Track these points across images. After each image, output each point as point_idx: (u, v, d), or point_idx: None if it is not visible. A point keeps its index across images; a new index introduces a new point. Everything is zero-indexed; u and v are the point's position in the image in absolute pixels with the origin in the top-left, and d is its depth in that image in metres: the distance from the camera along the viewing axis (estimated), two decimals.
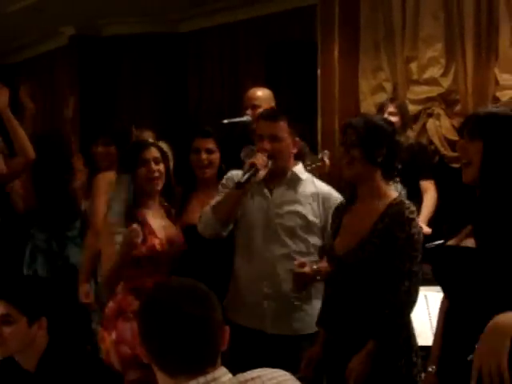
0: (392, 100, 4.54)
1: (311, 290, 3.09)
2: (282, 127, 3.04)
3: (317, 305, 2.98)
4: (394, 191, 2.71)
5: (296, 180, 3.11)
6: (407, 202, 2.66)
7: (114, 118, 7.89)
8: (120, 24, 7.83)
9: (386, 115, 4.22)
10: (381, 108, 4.47)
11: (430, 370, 2.35)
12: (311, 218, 3.07)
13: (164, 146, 4.19)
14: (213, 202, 3.12)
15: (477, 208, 2.15)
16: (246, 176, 2.93)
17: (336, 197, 3.11)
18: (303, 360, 2.82)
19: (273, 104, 4.26)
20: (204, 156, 3.50)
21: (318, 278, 2.94)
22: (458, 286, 2.15)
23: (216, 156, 3.55)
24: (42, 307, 2.49)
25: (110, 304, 3.12)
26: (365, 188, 2.68)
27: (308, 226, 3.08)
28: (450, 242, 2.21)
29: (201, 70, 7.66)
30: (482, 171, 2.11)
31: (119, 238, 3.00)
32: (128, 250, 2.97)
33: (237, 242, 3.18)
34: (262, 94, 4.32)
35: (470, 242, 2.12)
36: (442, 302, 2.36)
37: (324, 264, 2.90)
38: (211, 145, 3.53)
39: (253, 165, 2.94)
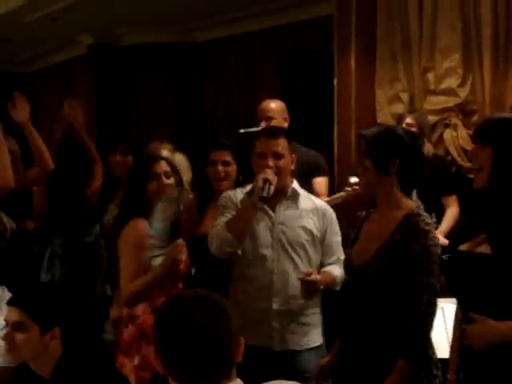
0: (411, 111, 4.53)
1: (316, 303, 3.13)
2: (283, 144, 3.09)
3: (319, 317, 3.14)
4: (413, 202, 2.68)
5: (296, 196, 3.15)
6: (424, 213, 2.63)
7: (131, 127, 7.94)
8: (137, 33, 7.88)
9: (403, 126, 4.21)
10: (399, 119, 4.45)
11: (448, 377, 2.35)
12: (315, 232, 3.12)
13: (181, 157, 4.22)
14: (220, 221, 3.10)
15: (490, 214, 2.16)
16: (266, 190, 2.95)
17: (331, 212, 3.21)
18: (316, 368, 2.84)
19: (286, 116, 4.27)
20: (220, 168, 3.50)
21: (322, 287, 2.99)
22: (471, 292, 2.15)
23: (233, 168, 3.54)
24: (55, 317, 2.50)
25: (130, 329, 3.05)
26: (381, 198, 2.67)
27: (314, 240, 3.12)
28: (463, 247, 2.23)
29: (217, 79, 7.69)
30: (492, 177, 2.13)
31: (154, 253, 3.01)
32: (170, 265, 2.96)
33: (237, 262, 3.16)
34: (275, 105, 4.32)
35: (484, 248, 2.12)
36: (458, 309, 2.36)
37: (326, 276, 3.03)
38: (228, 157, 3.52)
39: (266, 180, 2.96)
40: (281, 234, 3.09)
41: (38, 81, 9.94)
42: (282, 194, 3.12)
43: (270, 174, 2.98)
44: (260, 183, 2.96)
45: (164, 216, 3.06)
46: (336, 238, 3.21)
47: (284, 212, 3.12)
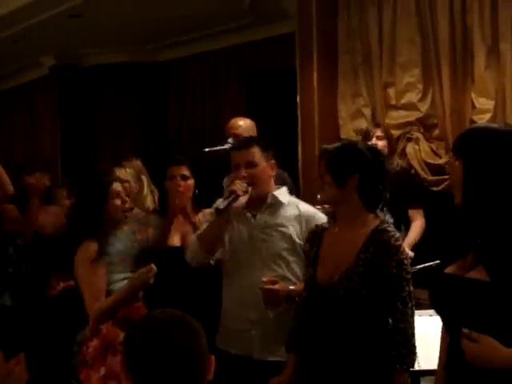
0: (377, 125, 4.56)
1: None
2: (255, 153, 3.09)
3: None
4: (376, 218, 2.68)
5: (277, 203, 3.13)
6: (390, 227, 2.65)
7: (95, 148, 7.90)
8: (100, 54, 7.87)
9: (373, 140, 4.24)
10: (367, 133, 4.45)
11: None
12: (296, 239, 3.06)
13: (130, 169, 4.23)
14: (198, 231, 3.17)
15: (471, 230, 2.07)
16: (226, 202, 2.98)
17: (320, 217, 3.09)
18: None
19: (254, 133, 4.29)
20: (180, 182, 3.56)
21: (297, 299, 2.92)
22: (466, 318, 2.04)
23: (191, 182, 3.61)
24: (20, 342, 2.46)
25: (94, 342, 3.07)
26: (342, 214, 2.66)
27: (293, 247, 3.07)
28: (450, 270, 2.13)
29: (181, 98, 7.70)
30: (464, 190, 2.06)
31: (116, 277, 3.03)
32: (140, 288, 3.02)
33: (224, 270, 3.19)
34: (243, 123, 4.35)
35: (476, 274, 2.03)
36: (443, 334, 2.28)
37: (300, 286, 2.90)
38: (185, 171, 3.61)
39: (232, 192, 2.98)
40: (260, 242, 3.08)
41: (1, 102, 9.85)
42: (262, 202, 3.13)
43: (238, 186, 3.00)
44: (225, 195, 3.00)
45: (132, 238, 3.10)
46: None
47: (264, 220, 3.11)
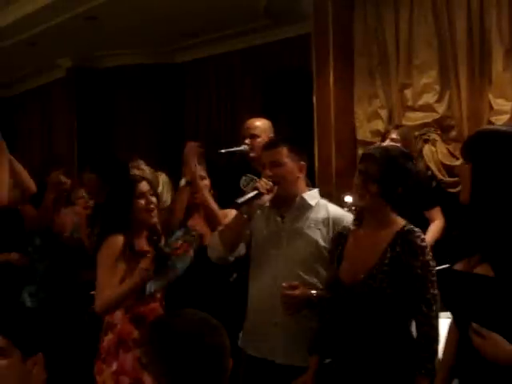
0: (397, 127, 4.55)
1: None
2: (282, 153, 3.07)
3: None
4: (401, 218, 2.68)
5: (305, 205, 3.10)
6: (416, 229, 2.64)
7: (111, 149, 7.93)
8: (117, 56, 7.90)
9: (387, 141, 4.23)
10: (383, 135, 4.46)
11: None
12: (322, 243, 3.03)
13: (165, 177, 4.30)
14: (221, 226, 3.19)
15: (478, 230, 2.13)
16: (246, 197, 2.98)
17: (349, 219, 3.02)
18: None
19: (271, 134, 4.29)
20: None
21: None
22: (472, 313, 2.09)
23: (206, 182, 3.76)
24: (38, 342, 2.47)
25: (109, 336, 3.11)
26: (372, 217, 2.67)
27: (319, 252, 3.03)
28: (459, 267, 2.18)
29: (197, 99, 7.71)
30: (472, 193, 2.11)
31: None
32: (142, 280, 3.03)
33: (251, 272, 3.20)
34: (260, 123, 4.35)
35: (483, 270, 2.08)
36: (451, 331, 2.33)
37: (322, 292, 2.89)
38: (201, 171, 3.67)
39: (255, 188, 2.99)
40: (287, 245, 3.08)
41: (17, 105, 9.92)
42: (290, 204, 3.12)
43: (262, 183, 3.00)
44: (248, 191, 3.02)
45: (171, 241, 3.13)
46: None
47: (291, 222, 3.10)
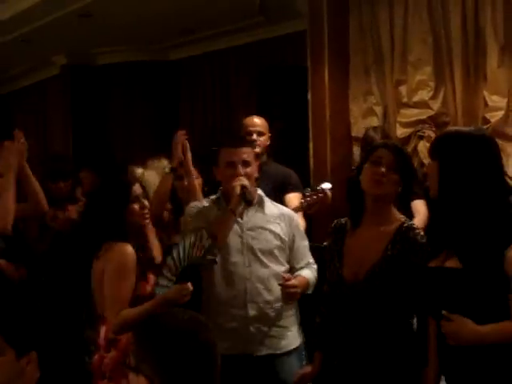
0: (376, 129, 4.59)
1: (291, 305, 3.16)
2: (249, 152, 3.16)
3: (295, 318, 3.19)
4: (399, 214, 2.69)
5: (262, 202, 3.21)
6: (415, 225, 2.65)
7: (106, 147, 7.91)
8: (111, 53, 7.88)
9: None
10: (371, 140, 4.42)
11: None
12: (284, 237, 3.16)
13: (152, 173, 4.27)
14: (203, 233, 3.13)
15: (450, 226, 2.30)
16: (247, 195, 3.04)
17: (297, 217, 3.31)
18: (294, 378, 2.83)
19: (268, 132, 4.32)
20: (186, 181, 3.63)
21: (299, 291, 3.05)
22: (445, 305, 2.24)
23: (198, 181, 3.75)
24: (32, 341, 2.46)
25: (112, 353, 2.92)
26: (377, 211, 2.66)
27: (283, 245, 3.15)
28: (432, 264, 2.34)
29: (193, 96, 7.70)
30: (439, 189, 2.31)
31: (161, 281, 2.94)
32: (172, 305, 2.78)
33: (213, 270, 3.17)
34: (260, 121, 4.36)
35: (452, 263, 2.25)
36: (431, 324, 2.44)
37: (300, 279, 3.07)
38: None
39: (244, 186, 3.02)
40: (250, 239, 3.12)
41: (11, 102, 9.89)
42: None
43: (245, 181, 3.03)
44: (238, 190, 3.01)
45: (189, 251, 2.99)
46: (304, 242, 3.27)
47: (252, 218, 3.16)
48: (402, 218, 2.67)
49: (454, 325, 2.21)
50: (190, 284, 2.85)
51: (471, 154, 2.28)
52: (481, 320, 2.18)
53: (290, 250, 3.19)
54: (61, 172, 4.66)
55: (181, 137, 3.75)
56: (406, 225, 2.62)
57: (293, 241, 3.19)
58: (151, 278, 2.99)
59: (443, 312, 2.23)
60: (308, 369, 2.85)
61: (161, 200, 3.60)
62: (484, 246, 2.20)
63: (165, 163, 4.45)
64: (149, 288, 2.95)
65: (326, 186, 3.92)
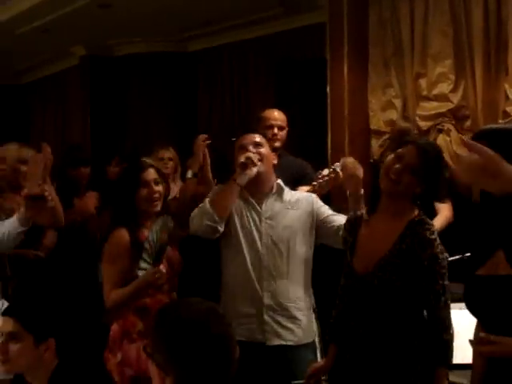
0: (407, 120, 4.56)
1: (309, 299, 3.19)
2: (262, 138, 3.26)
3: (311, 314, 3.20)
4: (413, 209, 2.66)
5: (281, 191, 3.25)
6: (427, 220, 2.63)
7: (124, 137, 7.94)
8: (130, 44, 7.89)
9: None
10: (406, 132, 4.37)
11: None
12: (303, 222, 3.20)
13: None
14: (208, 198, 3.20)
15: (496, 232, 2.11)
16: (247, 163, 3.11)
17: (313, 196, 3.31)
18: (308, 370, 2.83)
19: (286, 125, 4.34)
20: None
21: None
22: (498, 316, 2.09)
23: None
24: (50, 328, 2.48)
25: (114, 326, 3.15)
26: (391, 204, 2.64)
27: (302, 231, 3.18)
28: (481, 272, 2.15)
29: (211, 88, 7.69)
30: (481, 193, 2.09)
31: (142, 264, 3.10)
32: (147, 288, 3.03)
33: (229, 259, 3.20)
34: (279, 114, 4.37)
35: (505, 269, 2.07)
36: (477, 329, 2.28)
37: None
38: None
39: (248, 157, 3.06)
40: (269, 229, 3.14)
41: (31, 93, 9.94)
42: (269, 190, 3.18)
43: (251, 154, 3.08)
44: (242, 158, 3.05)
45: (158, 234, 3.13)
46: (325, 208, 3.30)
47: (271, 207, 3.18)
48: (416, 211, 2.64)
49: (497, 348, 2.01)
50: (162, 266, 3.04)
51: None
52: None
53: (319, 227, 3.21)
54: (81, 158, 4.71)
55: (201, 143, 3.71)
56: (417, 219, 2.60)
57: (317, 216, 3.22)
58: None
59: (481, 334, 2.05)
60: (321, 362, 2.86)
61: (184, 204, 3.62)
62: None
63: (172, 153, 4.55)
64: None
65: (337, 165, 3.92)
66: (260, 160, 3.14)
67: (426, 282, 2.54)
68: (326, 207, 3.30)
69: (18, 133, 9.11)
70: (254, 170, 3.11)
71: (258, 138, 3.22)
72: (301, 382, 2.87)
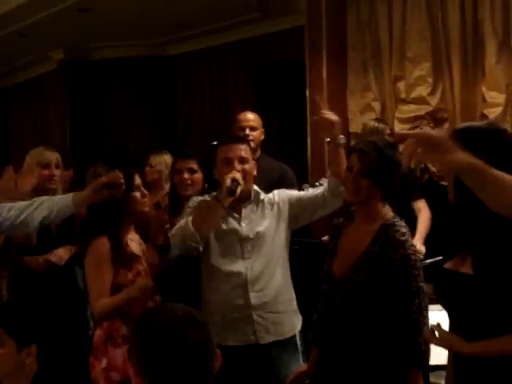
0: (384, 122, 4.54)
1: (288, 292, 3.17)
2: (247, 150, 3.15)
3: (293, 303, 3.17)
4: (389, 211, 2.68)
5: (258, 197, 3.21)
6: (399, 222, 2.64)
7: (104, 141, 7.91)
8: (109, 48, 7.87)
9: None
10: (376, 130, 4.40)
11: None
12: (280, 221, 3.17)
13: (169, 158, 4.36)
14: (187, 218, 3.14)
15: (465, 231, 2.15)
16: (234, 187, 3.00)
17: (282, 189, 3.26)
18: (291, 375, 2.84)
19: (262, 128, 4.32)
20: (186, 176, 3.60)
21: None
22: (458, 310, 2.15)
23: (199, 176, 3.64)
24: (33, 333, 2.46)
25: (98, 332, 3.11)
26: (363, 210, 2.68)
27: (277, 230, 3.17)
28: (448, 265, 2.21)
29: (190, 92, 7.69)
30: (455, 191, 2.12)
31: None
32: (136, 297, 3.04)
33: (211, 265, 3.19)
34: (253, 116, 4.35)
35: (467, 268, 2.12)
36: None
37: None
38: (193, 165, 3.64)
39: (234, 179, 3.02)
40: (248, 232, 3.14)
41: (9, 97, 9.88)
42: (247, 198, 3.18)
43: (237, 175, 3.04)
44: (228, 181, 3.02)
45: None
46: (295, 192, 3.28)
47: (249, 215, 3.17)
48: (390, 214, 2.66)
49: (444, 342, 2.11)
50: (150, 280, 3.03)
51: (492, 151, 2.06)
52: (491, 329, 2.04)
53: (302, 208, 3.18)
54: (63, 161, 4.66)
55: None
56: (388, 222, 2.61)
57: (295, 202, 3.19)
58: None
59: (433, 325, 2.13)
60: (304, 367, 2.86)
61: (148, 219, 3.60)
62: (500, 254, 2.05)
63: (167, 157, 4.50)
64: (130, 276, 3.05)
65: (325, 181, 3.92)
66: (243, 178, 3.12)
67: (399, 284, 2.54)
68: (295, 191, 3.30)
69: None
70: (239, 190, 3.09)
71: (243, 152, 3.12)
72: None
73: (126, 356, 2.90)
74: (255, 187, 3.23)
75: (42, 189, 3.76)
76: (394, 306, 2.58)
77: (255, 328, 3.10)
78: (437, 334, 2.12)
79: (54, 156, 3.91)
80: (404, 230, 2.61)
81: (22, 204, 3.04)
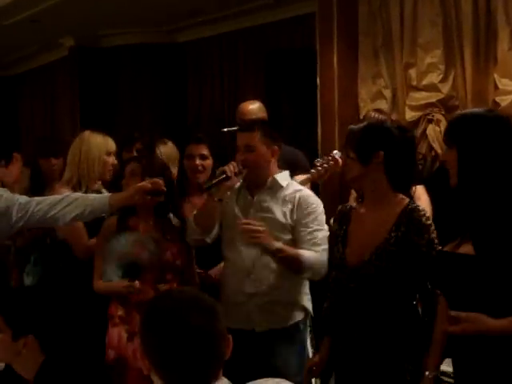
0: (383, 112, 4.55)
1: (287, 282, 3.17)
2: (255, 137, 3.15)
3: (295, 294, 3.18)
4: (404, 198, 2.67)
5: (276, 186, 3.20)
6: (420, 207, 2.64)
7: (114, 129, 7.90)
8: (119, 34, 7.86)
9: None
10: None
11: (427, 374, 2.41)
12: (284, 221, 3.16)
13: (171, 146, 4.35)
14: (194, 212, 3.29)
15: (466, 212, 2.22)
16: (213, 181, 3.10)
17: (314, 200, 3.19)
18: (306, 366, 2.87)
19: (264, 115, 4.30)
20: (198, 162, 3.66)
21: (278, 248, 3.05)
22: (458, 291, 2.19)
23: (209, 162, 3.70)
24: (28, 324, 2.44)
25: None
26: (369, 193, 2.68)
27: (282, 227, 3.17)
28: (447, 248, 2.28)
29: (200, 79, 7.68)
30: (459, 177, 2.20)
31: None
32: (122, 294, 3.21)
33: (223, 249, 3.28)
34: (252, 107, 4.34)
35: (466, 249, 2.17)
36: (442, 303, 2.39)
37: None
38: (204, 151, 3.70)
39: (223, 172, 3.04)
40: (256, 219, 3.14)
41: (19, 84, 9.89)
42: (261, 185, 3.19)
43: (230, 167, 3.08)
44: (217, 174, 3.07)
45: (129, 249, 3.18)
46: (311, 227, 3.19)
47: (260, 200, 3.17)
48: (406, 200, 2.66)
49: (468, 326, 2.10)
50: (137, 282, 3.13)
51: (491, 137, 2.18)
52: (492, 309, 2.10)
53: (294, 231, 3.18)
54: (52, 149, 4.68)
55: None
56: (410, 207, 2.61)
57: (297, 223, 3.16)
58: None
59: (451, 313, 2.14)
60: (316, 359, 2.86)
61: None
62: (501, 234, 2.11)
63: (170, 145, 4.50)
64: None
65: (336, 153, 3.94)
66: (246, 166, 3.12)
67: (424, 268, 2.54)
68: (310, 220, 3.20)
69: (7, 125, 9.08)
70: (233, 180, 3.13)
71: (251, 141, 3.13)
72: None
73: (120, 335, 3.05)
74: (278, 177, 3.20)
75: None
76: (414, 291, 2.59)
77: (252, 315, 3.12)
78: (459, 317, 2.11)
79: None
80: (428, 214, 2.62)
81: (52, 199, 3.08)
